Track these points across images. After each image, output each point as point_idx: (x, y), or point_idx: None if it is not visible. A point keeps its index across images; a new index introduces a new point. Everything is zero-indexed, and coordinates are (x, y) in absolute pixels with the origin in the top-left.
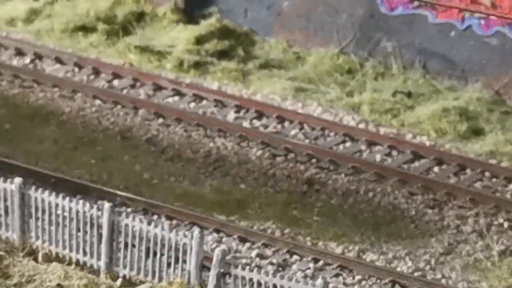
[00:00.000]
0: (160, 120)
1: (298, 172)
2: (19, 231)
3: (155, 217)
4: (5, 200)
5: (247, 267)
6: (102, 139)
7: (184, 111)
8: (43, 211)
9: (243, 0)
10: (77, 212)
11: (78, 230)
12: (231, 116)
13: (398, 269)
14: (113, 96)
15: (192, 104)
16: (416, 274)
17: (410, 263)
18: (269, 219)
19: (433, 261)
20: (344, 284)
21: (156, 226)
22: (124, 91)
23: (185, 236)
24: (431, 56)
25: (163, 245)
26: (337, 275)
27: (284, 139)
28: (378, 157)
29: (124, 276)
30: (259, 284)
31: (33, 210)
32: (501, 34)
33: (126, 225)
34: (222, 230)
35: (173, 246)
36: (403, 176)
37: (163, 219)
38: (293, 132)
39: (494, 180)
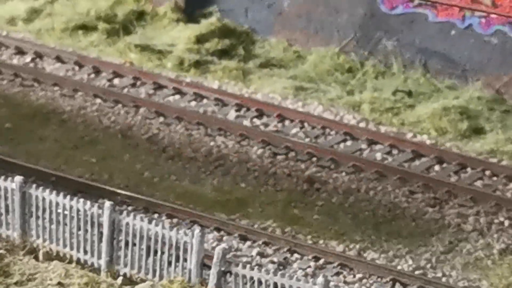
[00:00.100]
0: (161, 119)
1: (299, 170)
2: (20, 230)
3: (156, 215)
4: (6, 198)
5: (248, 266)
6: (102, 138)
7: (184, 110)
8: (44, 210)
9: None
10: (78, 210)
11: (78, 228)
12: (231, 115)
13: (399, 267)
14: (114, 95)
15: (193, 103)
16: (416, 272)
17: (410, 262)
18: (269, 217)
19: (433, 260)
20: (345, 282)
21: (156, 225)
22: (125, 90)
23: (185, 234)
24: (431, 55)
25: (163, 244)
26: (337, 274)
27: (285, 138)
28: (378, 156)
29: (124, 275)
30: (260, 282)
31: (33, 209)
32: (501, 33)
33: (127, 223)
34: (222, 229)
35: (174, 244)
36: (404, 175)
37: (164, 217)
38: (293, 131)
39: (494, 178)
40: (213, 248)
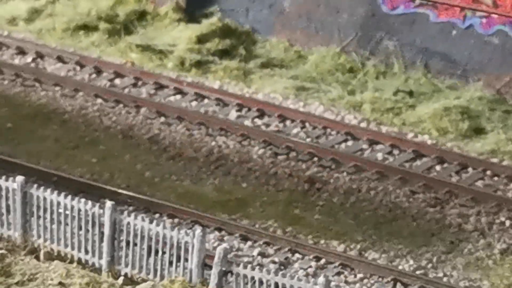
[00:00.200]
0: (162, 119)
1: (300, 171)
2: (21, 230)
3: (157, 215)
4: (7, 198)
5: (249, 266)
6: (103, 138)
7: (185, 110)
8: (45, 210)
9: None
10: (79, 210)
11: (79, 228)
12: (232, 115)
13: (400, 267)
14: (115, 95)
15: (194, 103)
16: (417, 272)
17: (411, 262)
18: (270, 217)
19: (434, 260)
20: (346, 282)
21: (157, 225)
22: (126, 90)
23: (186, 234)
24: (432, 55)
25: (164, 244)
26: (338, 274)
27: (286, 138)
28: (379, 156)
29: (125, 275)
30: (261, 282)
31: (34, 209)
32: (502, 33)
33: (128, 223)
34: (223, 229)
35: (175, 244)
36: (405, 175)
37: (165, 217)
38: (294, 131)
39: (495, 178)
40: (214, 248)
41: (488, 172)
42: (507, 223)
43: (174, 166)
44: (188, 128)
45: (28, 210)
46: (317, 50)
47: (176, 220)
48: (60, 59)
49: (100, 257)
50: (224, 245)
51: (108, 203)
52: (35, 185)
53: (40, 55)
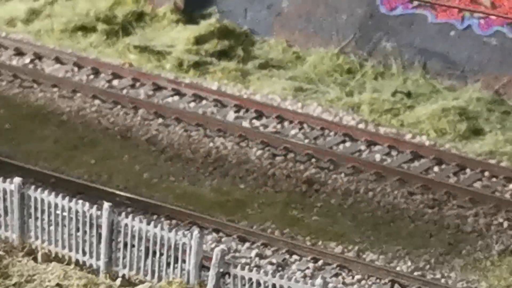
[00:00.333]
0: (160, 120)
1: (298, 172)
2: (19, 231)
3: (155, 217)
4: (5, 200)
5: (247, 267)
6: (102, 139)
7: (183, 111)
8: (43, 211)
9: (243, 0)
10: (77, 212)
11: (77, 230)
12: (230, 116)
13: (398, 268)
14: (113, 96)
15: (192, 104)
16: (415, 273)
17: (409, 263)
18: (268, 219)
19: (432, 261)
20: (344, 283)
21: (155, 226)
22: (124, 91)
23: (184, 235)
24: (431, 56)
25: (162, 245)
26: (336, 275)
27: (284, 139)
28: (377, 157)
29: (123, 276)
30: (259, 283)
31: (32, 210)
32: (501, 34)
33: (126, 224)
34: (221, 230)
35: (173, 245)
36: (403, 176)
37: (163, 218)
38: (292, 132)
39: (493, 180)
40: (212, 250)
41: (486, 173)
42: (505, 224)
43: (172, 167)
44: (186, 129)
45: (26, 211)
46: (315, 51)
47: (174, 222)
48: (58, 60)
49: (98, 259)
50: (222, 246)
51: (106, 205)
52: (33, 187)
53: (38, 56)
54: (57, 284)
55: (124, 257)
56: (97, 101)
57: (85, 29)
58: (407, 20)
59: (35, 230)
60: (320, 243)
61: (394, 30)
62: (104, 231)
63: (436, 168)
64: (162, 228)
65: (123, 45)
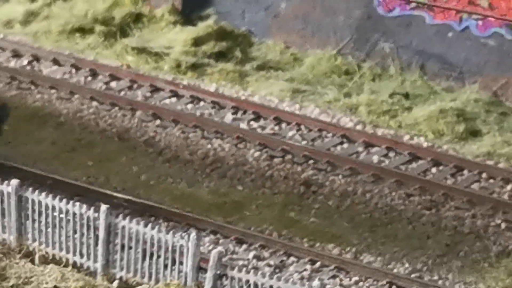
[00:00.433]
0: (158, 122)
1: (296, 173)
2: (16, 233)
3: (152, 219)
4: (2, 202)
5: (244, 269)
6: (99, 140)
7: (181, 113)
8: (40, 213)
9: (241, 1)
10: (74, 214)
11: (74, 232)
12: (228, 117)
13: (395, 270)
14: (111, 98)
15: (190, 106)
16: (413, 275)
17: (407, 265)
18: (266, 220)
19: (430, 263)
20: (341, 285)
21: (153, 228)
22: (122, 93)
23: (181, 238)
24: (428, 57)
25: (159, 247)
26: (334, 277)
27: (282, 141)
28: (375, 159)
29: (120, 278)
30: (256, 285)
31: (29, 212)
32: (498, 35)
33: (123, 227)
34: (219, 232)
35: (170, 248)
36: (400, 178)
37: (160, 220)
38: (290, 134)
39: (491, 181)
40: (210, 251)
41: (484, 175)
42: (503, 225)
43: (170, 168)
44: (183, 131)
45: (23, 213)
46: (313, 53)
47: (171, 223)
48: (56, 61)
49: (95, 261)
50: (219, 248)
51: (103, 207)
52: (30, 189)
53: (36, 58)
54: (55, 286)
55: (121, 259)
56: (94, 103)
57: (83, 30)
58: (405, 21)
59: (32, 232)
60: (317, 244)
61: (392, 32)
62: (101, 233)
63: (433, 170)
64: (159, 230)
65: (121, 46)
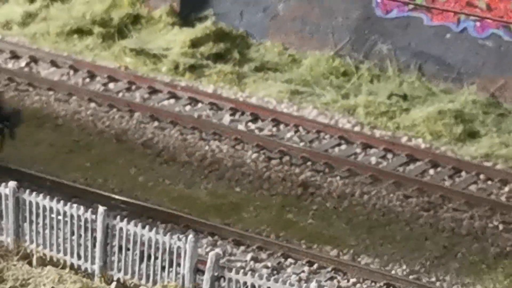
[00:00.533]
0: (156, 123)
1: (293, 175)
2: (14, 235)
3: (150, 220)
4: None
5: (241, 271)
6: (97, 142)
7: (179, 114)
8: (38, 215)
9: (239, 3)
10: (71, 215)
11: (72, 233)
12: (226, 119)
13: (393, 272)
14: (109, 99)
15: (188, 107)
16: (410, 277)
17: (404, 266)
18: (264, 222)
19: (428, 264)
20: (339, 287)
21: (150, 230)
22: (120, 94)
23: (179, 239)
24: (426, 59)
25: (157, 249)
26: (331, 278)
27: (279, 142)
28: (373, 160)
29: (118, 280)
30: (253, 287)
31: (27, 214)
32: (496, 37)
33: (121, 228)
34: (217, 234)
35: (167, 249)
36: (398, 179)
37: (158, 222)
38: (288, 135)
39: (489, 182)
40: (207, 253)
41: (482, 176)
42: (501, 227)
43: (168, 170)
44: (181, 133)
45: (21, 215)
46: (311, 54)
47: (169, 225)
48: (54, 63)
49: (93, 263)
50: (216, 250)
51: (101, 209)
52: (27, 191)
53: (34, 59)
54: None
55: (119, 261)
56: (92, 104)
57: (81, 32)
58: (403, 22)
59: (30, 234)
60: (315, 246)
61: (390, 33)
62: (99, 235)
63: (431, 171)
64: (157, 232)
65: (119, 48)
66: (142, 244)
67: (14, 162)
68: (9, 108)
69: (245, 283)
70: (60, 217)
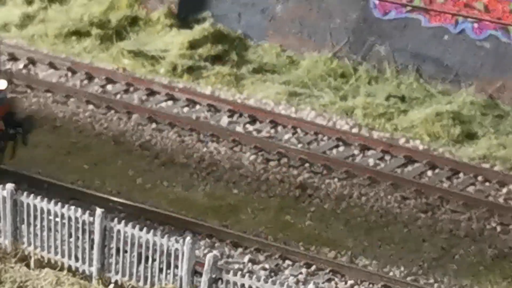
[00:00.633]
0: (154, 125)
1: (291, 176)
2: (11, 237)
3: (148, 222)
4: None
5: (239, 273)
6: (95, 144)
7: (177, 116)
8: (35, 217)
9: (237, 4)
10: (69, 218)
11: (70, 236)
12: (224, 121)
13: (391, 273)
14: (107, 101)
15: (186, 109)
16: (408, 278)
17: (402, 268)
18: (262, 224)
19: (426, 266)
20: None
21: (148, 232)
22: (118, 96)
23: (177, 241)
24: (424, 60)
25: (155, 251)
26: (329, 280)
27: (277, 144)
28: (371, 162)
29: (116, 282)
30: None
31: (25, 216)
32: (494, 38)
33: (118, 230)
34: (214, 236)
35: (165, 251)
36: (396, 181)
37: (156, 224)
38: (286, 137)
39: (487, 184)
40: (205, 255)
41: (480, 178)
42: (499, 228)
43: (166, 172)
44: (179, 134)
45: (18, 217)
46: (309, 56)
47: (167, 227)
48: (52, 65)
49: (91, 265)
50: (214, 252)
51: (98, 211)
52: (25, 193)
53: (32, 61)
54: None
55: (116, 263)
56: (90, 106)
57: (79, 34)
58: (401, 24)
59: (27, 236)
60: (313, 248)
61: (388, 34)
62: (96, 237)
63: (429, 173)
64: (154, 234)
65: (117, 50)
66: (140, 246)
67: (11, 164)
68: (22, 114)
69: (242, 285)
70: (58, 219)
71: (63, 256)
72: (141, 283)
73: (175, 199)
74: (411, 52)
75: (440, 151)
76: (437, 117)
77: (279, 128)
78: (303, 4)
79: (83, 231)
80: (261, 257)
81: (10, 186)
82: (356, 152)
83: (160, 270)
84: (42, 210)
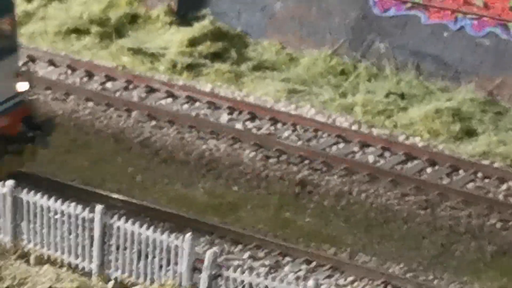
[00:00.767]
0: (153, 122)
1: (291, 174)
2: (11, 234)
3: (148, 219)
4: None
5: (239, 269)
6: (95, 141)
7: (177, 113)
8: (35, 214)
9: (237, 2)
10: (69, 214)
11: (70, 232)
12: (224, 118)
13: (391, 270)
14: (106, 99)
15: (185, 106)
16: (408, 275)
17: (402, 264)
18: (261, 221)
19: (425, 262)
20: (336, 285)
21: (148, 229)
22: (117, 94)
23: (176, 238)
24: (424, 57)
25: (155, 247)
26: (329, 277)
27: (277, 141)
28: (371, 159)
29: (116, 279)
30: (251, 286)
31: (25, 213)
32: (493, 35)
33: (118, 227)
34: (214, 232)
35: (165, 248)
36: (396, 177)
37: (156, 221)
38: (286, 134)
39: (486, 180)
40: (205, 252)
41: (479, 174)
42: (498, 225)
43: (166, 169)
44: (179, 132)
45: (18, 214)
46: (309, 53)
47: (167, 224)
48: (51, 62)
49: (90, 261)
50: (214, 249)
51: (98, 207)
52: (25, 190)
53: (32, 59)
54: (50, 287)
55: (116, 260)
56: (90, 104)
57: (79, 31)
58: (400, 21)
59: (27, 233)
60: (313, 244)
61: (387, 32)
62: (96, 234)
63: (429, 169)
64: (154, 231)
65: (117, 47)
66: (140, 242)
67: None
68: (41, 116)
69: (242, 281)
70: (58, 216)
71: (63, 252)
72: (141, 280)
73: (175, 196)
74: (410, 49)
75: (440, 148)
76: (437, 114)
77: (279, 125)
78: (303, 1)
79: (83, 228)
80: (261, 254)
81: (10, 182)
82: (355, 149)
83: (160, 267)
84: (42, 207)
